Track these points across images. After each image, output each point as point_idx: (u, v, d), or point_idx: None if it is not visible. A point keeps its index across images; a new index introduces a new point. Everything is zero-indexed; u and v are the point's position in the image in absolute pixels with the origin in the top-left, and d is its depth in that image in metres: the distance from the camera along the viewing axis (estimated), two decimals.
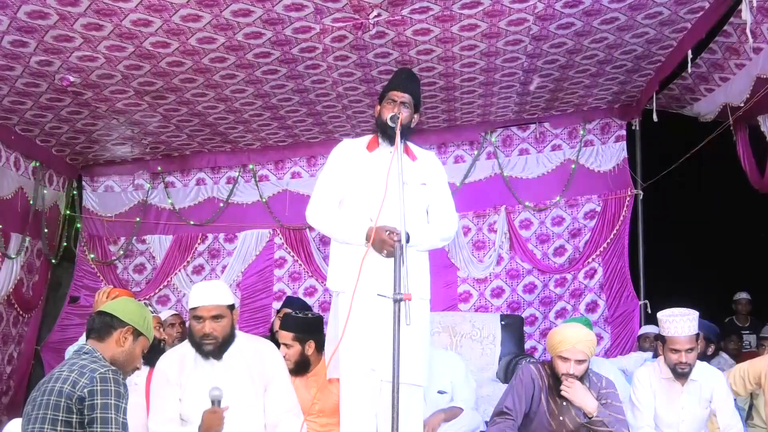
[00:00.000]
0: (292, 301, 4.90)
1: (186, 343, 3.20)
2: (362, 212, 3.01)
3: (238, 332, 3.16)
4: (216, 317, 3.01)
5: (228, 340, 3.06)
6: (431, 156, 3.31)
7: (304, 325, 3.44)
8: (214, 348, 3.01)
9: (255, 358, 3.10)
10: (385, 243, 2.76)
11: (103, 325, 2.53)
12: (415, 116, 3.16)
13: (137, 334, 2.56)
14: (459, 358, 4.33)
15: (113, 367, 2.40)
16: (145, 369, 3.32)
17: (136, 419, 3.19)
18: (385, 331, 2.65)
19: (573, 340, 3.28)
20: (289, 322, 3.47)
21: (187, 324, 4.46)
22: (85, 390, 2.26)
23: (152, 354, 3.37)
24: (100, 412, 2.25)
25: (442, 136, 6.33)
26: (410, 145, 3.21)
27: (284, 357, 3.28)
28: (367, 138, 3.24)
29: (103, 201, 6.97)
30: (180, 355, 3.13)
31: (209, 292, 3.07)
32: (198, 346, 3.04)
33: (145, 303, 3.46)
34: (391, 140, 3.02)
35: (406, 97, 3.08)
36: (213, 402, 2.83)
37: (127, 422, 2.34)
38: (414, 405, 2.99)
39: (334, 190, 3.14)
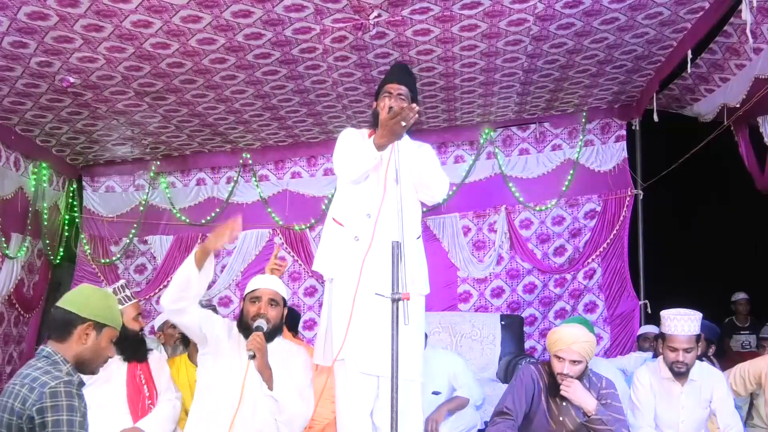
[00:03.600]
0: None
1: (233, 323, 3.30)
2: (358, 205, 3.00)
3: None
4: (272, 301, 3.14)
5: (275, 331, 3.15)
6: (419, 144, 3.18)
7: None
8: (270, 333, 3.09)
9: (286, 356, 3.19)
10: (394, 121, 2.75)
11: (62, 324, 2.35)
12: None
13: (101, 326, 2.37)
14: (455, 354, 4.33)
15: (66, 378, 2.22)
16: (123, 365, 3.32)
17: (116, 417, 3.20)
18: (378, 326, 2.67)
19: (569, 340, 3.28)
20: None
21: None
22: (35, 408, 2.12)
23: (132, 348, 3.36)
24: (52, 430, 2.12)
25: (442, 136, 6.33)
26: (406, 135, 3.12)
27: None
28: (366, 131, 3.18)
29: (104, 201, 6.99)
30: (229, 327, 3.24)
31: (269, 280, 3.25)
32: (247, 328, 3.09)
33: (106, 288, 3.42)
34: None
35: (403, 89, 3.04)
36: (255, 329, 3.02)
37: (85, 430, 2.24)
38: (412, 399, 2.98)
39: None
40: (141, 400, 3.29)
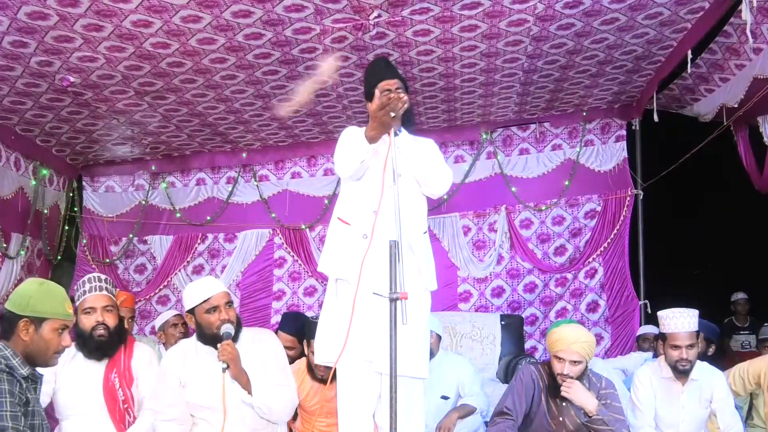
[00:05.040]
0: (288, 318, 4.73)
1: (186, 340, 3.28)
2: (364, 202, 2.96)
3: None
4: (229, 303, 3.09)
5: (239, 328, 3.12)
6: (420, 139, 3.12)
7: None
8: (234, 332, 3.06)
9: (253, 344, 3.16)
10: (382, 112, 2.73)
11: (5, 323, 2.43)
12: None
13: (39, 321, 2.42)
14: (467, 360, 4.33)
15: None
16: (100, 366, 3.18)
17: (96, 422, 3.13)
18: (382, 324, 2.62)
19: (569, 340, 3.28)
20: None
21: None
22: None
23: (85, 346, 3.15)
24: None
25: (442, 136, 6.33)
26: (404, 131, 3.05)
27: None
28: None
29: (104, 201, 6.99)
30: (182, 350, 3.19)
31: (213, 283, 3.15)
32: (215, 338, 3.03)
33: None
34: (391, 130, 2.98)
35: (398, 83, 3.00)
36: (224, 337, 2.98)
37: (17, 413, 2.26)
38: (415, 398, 2.97)
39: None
40: (117, 405, 3.17)
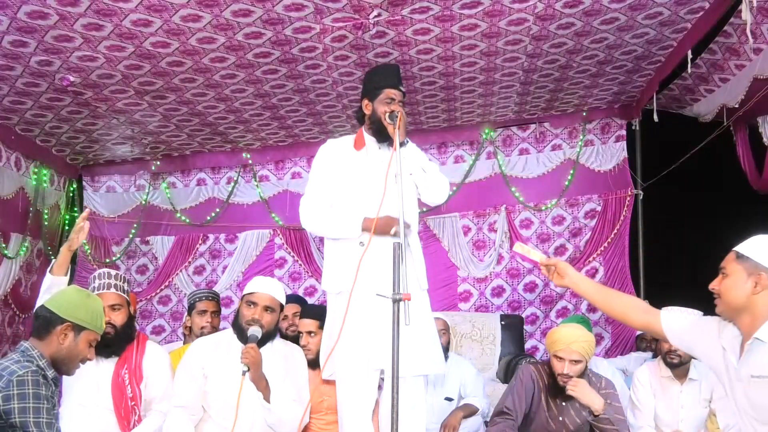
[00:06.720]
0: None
1: (222, 332, 3.30)
2: (357, 211, 3.01)
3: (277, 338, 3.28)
4: (267, 308, 3.12)
5: (270, 335, 3.15)
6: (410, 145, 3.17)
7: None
8: (264, 338, 3.08)
9: (282, 357, 3.18)
10: (392, 220, 2.82)
11: (43, 322, 2.42)
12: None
13: (79, 329, 2.44)
14: (468, 362, 4.37)
15: (33, 367, 2.29)
16: (110, 362, 3.16)
17: (101, 417, 3.10)
18: (387, 329, 2.64)
19: (568, 340, 3.28)
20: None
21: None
22: (0, 395, 2.19)
23: (117, 342, 3.14)
24: (18, 418, 2.18)
25: (442, 136, 6.33)
26: (410, 142, 3.14)
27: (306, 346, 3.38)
28: (351, 137, 3.21)
29: (105, 201, 6.98)
30: (215, 341, 3.22)
31: (268, 284, 3.22)
32: (241, 331, 3.08)
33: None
34: (383, 137, 3.02)
35: (401, 95, 3.05)
36: (249, 339, 3.01)
37: (51, 420, 2.27)
38: (416, 398, 2.98)
39: (325, 192, 3.13)
40: (124, 401, 3.15)
